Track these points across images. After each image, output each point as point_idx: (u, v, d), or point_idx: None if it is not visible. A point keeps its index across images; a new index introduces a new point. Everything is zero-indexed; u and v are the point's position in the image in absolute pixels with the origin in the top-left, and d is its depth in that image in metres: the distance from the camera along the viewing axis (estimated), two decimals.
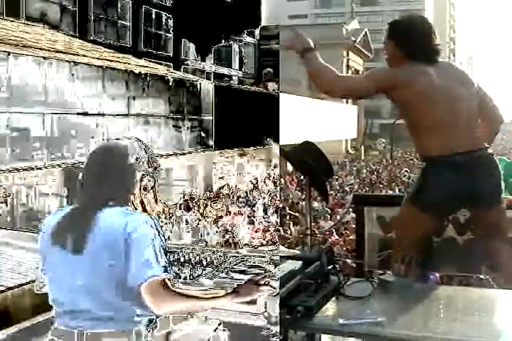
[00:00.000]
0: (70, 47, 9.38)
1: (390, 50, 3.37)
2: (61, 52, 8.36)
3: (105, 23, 14.23)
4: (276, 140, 8.69)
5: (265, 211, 11.03)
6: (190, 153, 10.73)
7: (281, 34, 24.25)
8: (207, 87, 11.03)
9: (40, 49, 8.04)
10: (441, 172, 3.14)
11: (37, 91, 7.48)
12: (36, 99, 7.49)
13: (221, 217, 10.48)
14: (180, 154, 10.35)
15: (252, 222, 10.24)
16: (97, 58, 9.04)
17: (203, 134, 10.64)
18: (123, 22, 14.91)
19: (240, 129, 11.33)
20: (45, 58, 7.48)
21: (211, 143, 11.00)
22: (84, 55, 8.85)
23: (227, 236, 7.38)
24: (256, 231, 9.46)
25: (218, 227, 9.60)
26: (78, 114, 7.73)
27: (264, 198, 12.74)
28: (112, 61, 9.32)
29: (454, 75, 3.29)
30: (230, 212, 10.79)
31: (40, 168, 7.85)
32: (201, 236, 7.26)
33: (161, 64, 14.34)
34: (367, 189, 17.15)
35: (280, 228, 9.77)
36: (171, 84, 9.73)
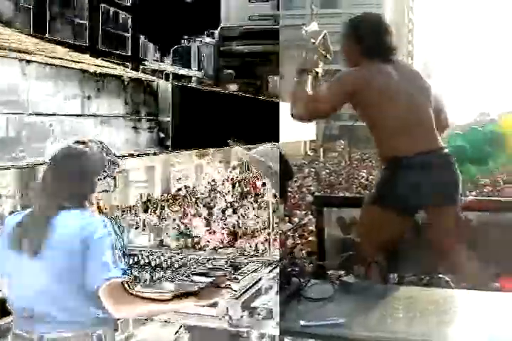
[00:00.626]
0: (22, 45, 9.19)
1: (347, 49, 3.41)
2: (13, 50, 8.18)
3: (62, 21, 14.01)
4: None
5: (223, 213, 11.02)
6: (147, 154, 10.63)
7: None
8: (164, 87, 10.96)
9: None
10: (402, 172, 3.19)
11: None
12: None
13: (179, 218, 10.43)
14: (137, 155, 10.26)
15: (209, 224, 10.21)
16: (50, 57, 8.87)
17: (160, 135, 10.56)
18: (80, 20, 14.70)
19: (198, 130, 11.28)
20: None
21: (169, 144, 10.95)
22: (36, 54, 8.68)
23: (184, 239, 7.34)
24: (211, 233, 9.43)
25: (176, 229, 9.56)
26: (30, 114, 7.55)
27: (224, 200, 12.73)
28: (66, 60, 9.17)
29: (410, 74, 3.34)
30: (187, 215, 10.74)
31: None
32: (159, 238, 7.21)
33: (118, 64, 14.19)
34: (326, 191, 17.26)
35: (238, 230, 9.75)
36: (127, 84, 9.64)
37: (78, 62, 9.66)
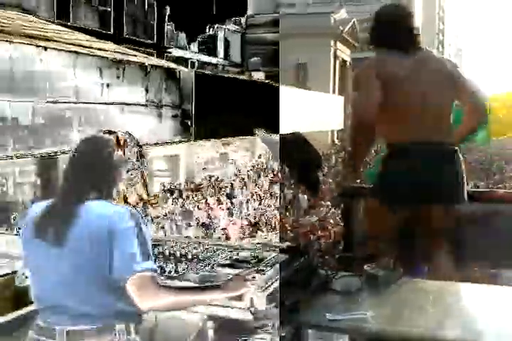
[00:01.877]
0: (42, 32, 9.16)
1: (370, 36, 3.42)
2: (31, 37, 8.15)
3: (86, 8, 14.02)
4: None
5: (247, 202, 11.00)
6: (169, 143, 10.57)
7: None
8: (187, 75, 10.83)
9: (9, 34, 7.84)
10: (400, 161, 3.18)
11: (4, 78, 7.25)
12: (3, 86, 7.27)
13: (202, 208, 10.44)
14: (160, 144, 10.21)
15: (231, 214, 10.20)
16: (70, 44, 8.80)
17: (183, 123, 10.48)
18: (105, 7, 14.69)
19: (222, 118, 11.19)
20: (10, 42, 7.25)
21: (192, 132, 10.84)
22: (56, 40, 8.63)
23: (204, 230, 7.35)
24: (234, 224, 9.43)
25: (198, 220, 9.58)
26: (48, 102, 7.50)
27: (247, 190, 12.70)
28: (85, 47, 9.09)
29: (430, 67, 3.30)
30: (209, 204, 10.71)
31: (11, 157, 7.72)
32: (179, 228, 7.24)
33: (143, 52, 14.20)
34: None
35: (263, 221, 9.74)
36: (148, 71, 9.52)
37: (98, 49, 9.57)
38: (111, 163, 2.17)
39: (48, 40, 8.42)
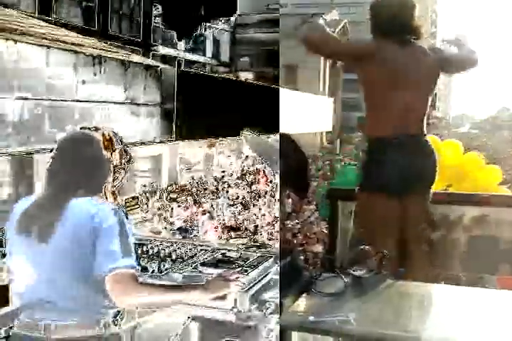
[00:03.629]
0: (15, 26, 8.92)
1: (370, 29, 3.49)
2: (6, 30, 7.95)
3: (69, 3, 13.85)
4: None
5: (231, 206, 10.90)
6: (148, 143, 10.38)
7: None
8: (170, 73, 10.62)
9: None
10: (381, 153, 3.28)
11: None
12: None
13: (184, 210, 10.36)
14: (141, 144, 10.04)
15: (212, 218, 10.13)
16: (43, 38, 8.58)
17: (165, 123, 10.29)
18: (89, 3, 14.53)
19: (206, 119, 11.04)
20: None
21: (174, 132, 10.66)
22: (30, 35, 8.39)
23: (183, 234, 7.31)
24: (216, 228, 9.37)
25: (184, 222, 9.52)
26: (17, 98, 7.29)
27: (232, 192, 12.64)
28: (60, 41, 8.86)
29: (419, 61, 3.37)
30: (187, 208, 10.61)
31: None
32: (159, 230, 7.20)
33: (128, 49, 14.08)
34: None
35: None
36: (127, 68, 9.27)
37: (75, 44, 9.32)
38: (97, 160, 2.20)
39: (22, 33, 8.24)
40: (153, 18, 17.25)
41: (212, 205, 10.82)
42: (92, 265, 2.03)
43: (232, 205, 10.90)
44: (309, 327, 2.46)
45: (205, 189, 12.66)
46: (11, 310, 2.21)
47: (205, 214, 10.14)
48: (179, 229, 7.77)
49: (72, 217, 2.09)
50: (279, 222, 9.67)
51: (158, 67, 10.44)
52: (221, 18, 21.37)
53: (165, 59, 17.37)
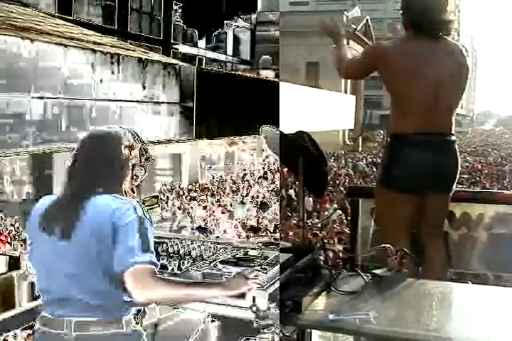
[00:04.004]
0: (34, 25, 8.89)
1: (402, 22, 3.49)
2: (22, 29, 7.92)
3: (89, 2, 13.84)
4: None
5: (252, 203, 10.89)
6: (171, 141, 10.33)
7: (282, 20, 24.17)
8: (189, 71, 10.52)
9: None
10: (397, 150, 3.27)
11: None
12: None
13: (203, 209, 10.37)
14: (161, 142, 9.99)
15: (232, 217, 10.12)
16: (61, 37, 8.54)
17: (184, 121, 10.21)
18: (109, 1, 14.53)
19: (226, 117, 10.98)
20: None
21: (194, 131, 10.57)
22: (48, 33, 8.34)
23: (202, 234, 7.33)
24: (235, 227, 9.36)
25: (204, 220, 9.56)
26: (33, 97, 7.26)
27: (254, 190, 12.62)
28: (77, 40, 8.81)
29: (448, 56, 3.32)
30: (205, 207, 10.59)
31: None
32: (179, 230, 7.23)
33: (148, 48, 14.04)
34: (364, 181, 17.14)
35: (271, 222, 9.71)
36: (146, 66, 9.16)
37: (92, 42, 9.25)
38: (118, 158, 2.23)
39: (41, 32, 8.24)
40: (173, 16, 17.24)
41: (231, 204, 10.84)
42: (112, 261, 2.06)
43: (253, 204, 10.92)
44: (328, 326, 2.45)
45: (226, 188, 12.68)
46: (34, 307, 2.25)
47: (224, 213, 10.17)
48: (198, 227, 7.81)
49: (92, 214, 2.12)
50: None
51: (177, 65, 10.38)
52: (242, 16, 21.37)
53: (185, 57, 17.39)
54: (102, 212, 2.11)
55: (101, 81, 8.17)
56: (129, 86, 8.77)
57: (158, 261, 2.14)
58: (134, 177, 2.30)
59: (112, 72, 8.36)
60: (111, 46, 9.61)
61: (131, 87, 8.83)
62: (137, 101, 8.91)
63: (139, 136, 2.34)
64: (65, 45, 7.67)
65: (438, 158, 3.30)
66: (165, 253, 3.50)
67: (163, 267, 3.19)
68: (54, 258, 2.16)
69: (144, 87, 9.07)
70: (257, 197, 11.73)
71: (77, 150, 2.27)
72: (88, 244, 2.10)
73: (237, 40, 21.13)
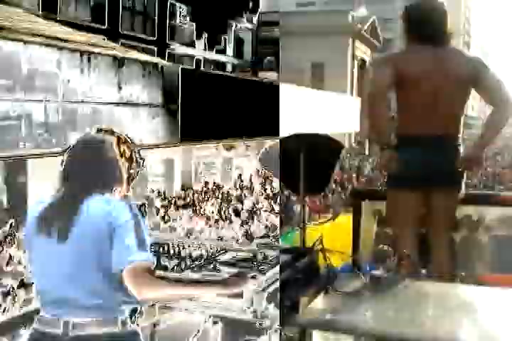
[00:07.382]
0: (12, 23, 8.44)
1: (402, 29, 3.60)
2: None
3: (77, 1, 13.43)
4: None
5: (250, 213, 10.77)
6: (153, 146, 9.72)
7: (286, 20, 24.19)
8: (173, 71, 9.80)
9: None
10: (408, 152, 3.42)
11: None
12: None
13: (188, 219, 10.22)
14: (148, 147, 9.40)
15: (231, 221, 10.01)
16: (29, 34, 8.01)
17: (167, 124, 9.61)
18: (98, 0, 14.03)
19: (215, 120, 10.40)
20: None
21: (178, 134, 9.94)
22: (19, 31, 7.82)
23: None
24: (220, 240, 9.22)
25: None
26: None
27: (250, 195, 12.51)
28: (45, 37, 8.01)
29: (452, 62, 3.42)
30: (191, 217, 10.40)
31: None
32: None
33: (141, 48, 13.62)
34: (370, 185, 17.14)
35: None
36: (121, 65, 8.47)
37: (60, 39, 8.43)
38: (109, 161, 2.32)
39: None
40: (168, 15, 16.81)
41: (228, 209, 10.74)
42: (110, 261, 2.14)
43: (251, 212, 10.82)
44: (326, 326, 2.52)
45: (223, 193, 12.50)
46: (33, 308, 2.31)
47: (221, 217, 10.11)
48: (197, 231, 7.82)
49: (88, 215, 2.21)
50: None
51: (159, 63, 9.84)
52: (244, 17, 21.33)
53: (182, 58, 17.21)
54: (97, 212, 2.20)
55: (68, 81, 7.59)
56: (101, 86, 8.15)
57: (160, 262, 2.23)
58: (128, 178, 2.40)
59: (82, 72, 7.84)
60: (81, 43, 8.86)
61: (103, 87, 8.21)
62: (110, 103, 8.31)
63: (131, 140, 2.44)
64: (25, 42, 7.10)
65: (442, 158, 3.40)
66: (166, 255, 3.58)
67: (164, 268, 3.27)
68: (51, 259, 2.24)
69: (120, 88, 8.62)
70: (257, 203, 11.67)
71: (70, 153, 2.37)
72: (85, 245, 2.18)
73: (238, 41, 21.02)
